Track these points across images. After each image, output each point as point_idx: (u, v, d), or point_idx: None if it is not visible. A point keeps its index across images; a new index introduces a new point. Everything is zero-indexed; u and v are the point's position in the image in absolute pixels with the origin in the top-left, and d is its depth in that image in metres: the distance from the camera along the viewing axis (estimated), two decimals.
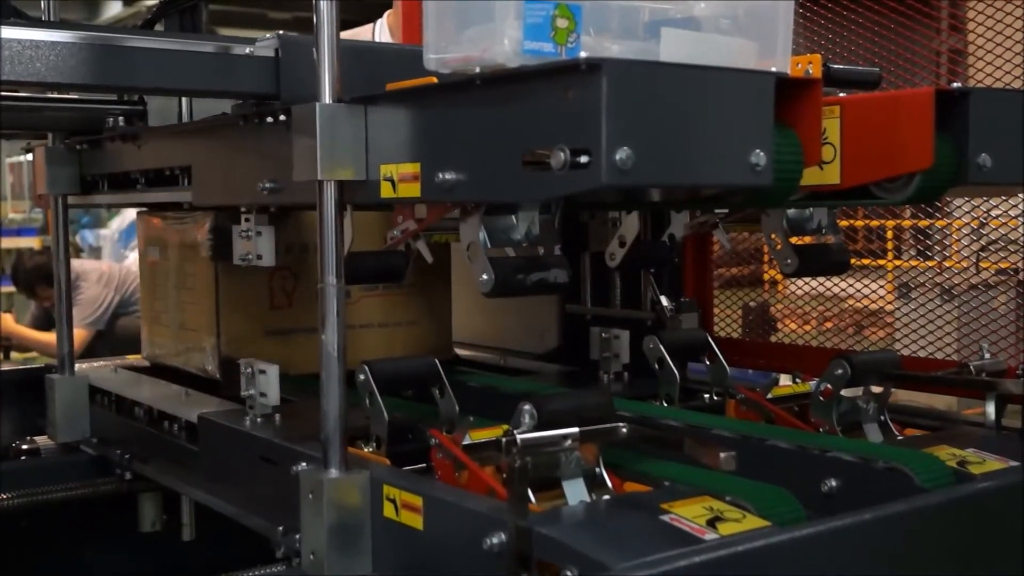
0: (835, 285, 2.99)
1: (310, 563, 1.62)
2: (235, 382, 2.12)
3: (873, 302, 3.44)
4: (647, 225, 2.44)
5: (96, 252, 10.43)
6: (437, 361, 1.92)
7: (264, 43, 1.92)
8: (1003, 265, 3.06)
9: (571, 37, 1.35)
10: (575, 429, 1.53)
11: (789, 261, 1.99)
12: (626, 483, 1.62)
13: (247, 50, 1.91)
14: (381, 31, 3.76)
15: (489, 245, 1.61)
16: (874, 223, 3.53)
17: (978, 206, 2.91)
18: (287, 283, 2.53)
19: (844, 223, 2.70)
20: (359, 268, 1.90)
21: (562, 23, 1.35)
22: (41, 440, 2.66)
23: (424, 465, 1.73)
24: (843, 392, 1.93)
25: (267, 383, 2.03)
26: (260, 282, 2.50)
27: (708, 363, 2.24)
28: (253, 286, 2.49)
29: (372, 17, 3.89)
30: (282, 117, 1.76)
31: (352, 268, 1.67)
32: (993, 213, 2.86)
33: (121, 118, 2.41)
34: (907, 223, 3.46)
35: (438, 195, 1.46)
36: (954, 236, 3.38)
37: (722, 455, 1.40)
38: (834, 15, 2.75)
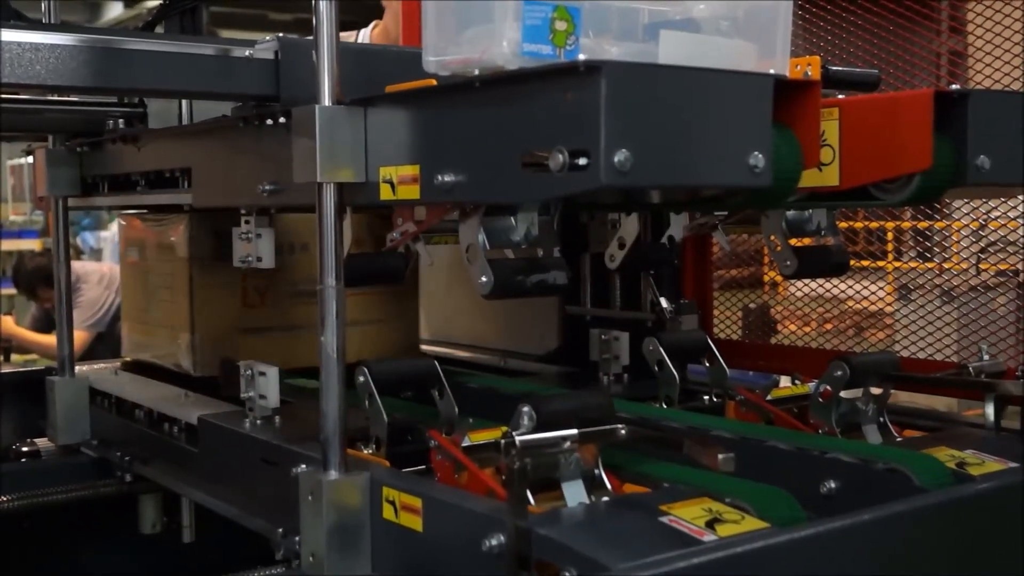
0: (835, 287, 2.99)
1: (310, 564, 1.62)
2: (228, 382, 2.14)
3: (873, 304, 3.43)
4: (647, 227, 2.44)
5: (97, 254, 10.44)
6: (437, 363, 1.93)
7: (264, 45, 1.92)
8: (1003, 267, 3.06)
9: (570, 39, 1.36)
10: (574, 431, 1.52)
11: (788, 263, 1.99)
12: (625, 484, 1.62)
13: (247, 52, 1.91)
14: (363, 41, 3.73)
15: (488, 247, 1.61)
16: (874, 225, 3.52)
17: (978, 207, 2.90)
18: (260, 283, 2.56)
19: (844, 224, 2.70)
20: (358, 270, 1.90)
21: (561, 25, 1.35)
22: (41, 442, 2.67)
23: (424, 467, 1.73)
24: (842, 393, 1.93)
25: (266, 385, 2.04)
26: (233, 282, 2.54)
27: (708, 365, 2.23)
28: (227, 286, 2.53)
29: (372, 19, 3.87)
30: (282, 119, 1.76)
31: (351, 270, 1.67)
32: (993, 215, 2.86)
33: (121, 120, 2.42)
34: (907, 224, 3.45)
35: (437, 197, 1.46)
36: (954, 238, 3.38)
37: (721, 456, 1.40)
38: (833, 16, 2.75)
